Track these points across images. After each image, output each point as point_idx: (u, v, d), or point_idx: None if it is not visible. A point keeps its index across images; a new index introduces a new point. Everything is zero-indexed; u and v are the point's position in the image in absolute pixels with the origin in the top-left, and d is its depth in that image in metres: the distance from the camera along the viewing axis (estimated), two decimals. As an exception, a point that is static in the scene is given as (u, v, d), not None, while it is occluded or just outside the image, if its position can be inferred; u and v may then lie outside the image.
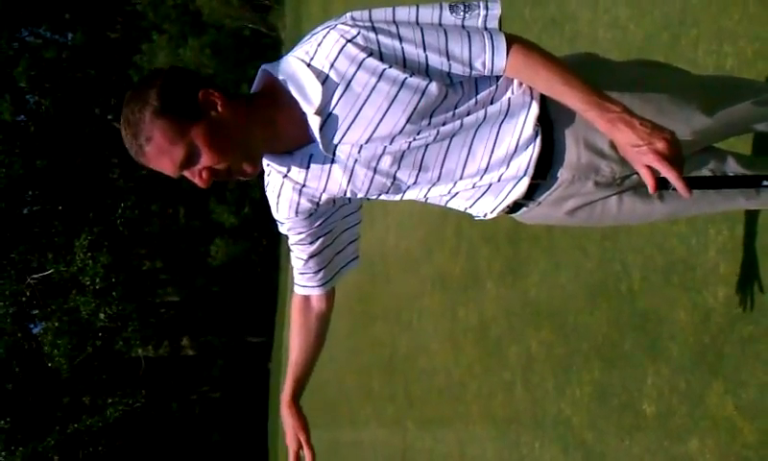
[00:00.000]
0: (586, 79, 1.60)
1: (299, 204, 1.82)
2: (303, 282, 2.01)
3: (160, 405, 30.36)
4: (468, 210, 1.88)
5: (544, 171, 1.74)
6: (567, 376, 4.30)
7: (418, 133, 1.66)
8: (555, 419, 4.36)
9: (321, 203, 1.83)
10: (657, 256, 3.56)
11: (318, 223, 1.89)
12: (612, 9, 4.27)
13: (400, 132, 1.64)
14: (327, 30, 1.62)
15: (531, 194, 1.79)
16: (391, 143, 1.67)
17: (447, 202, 1.86)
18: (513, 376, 5.05)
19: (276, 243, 33.20)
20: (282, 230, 1.94)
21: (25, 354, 25.04)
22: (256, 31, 36.05)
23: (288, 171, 1.77)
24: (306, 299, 2.04)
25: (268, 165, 1.80)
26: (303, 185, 1.78)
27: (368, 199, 1.88)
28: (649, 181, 1.49)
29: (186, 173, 1.62)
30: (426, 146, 1.69)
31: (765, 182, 1.64)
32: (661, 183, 1.50)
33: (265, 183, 1.87)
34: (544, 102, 1.70)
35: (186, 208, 34.98)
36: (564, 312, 4.44)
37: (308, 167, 1.74)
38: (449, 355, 6.50)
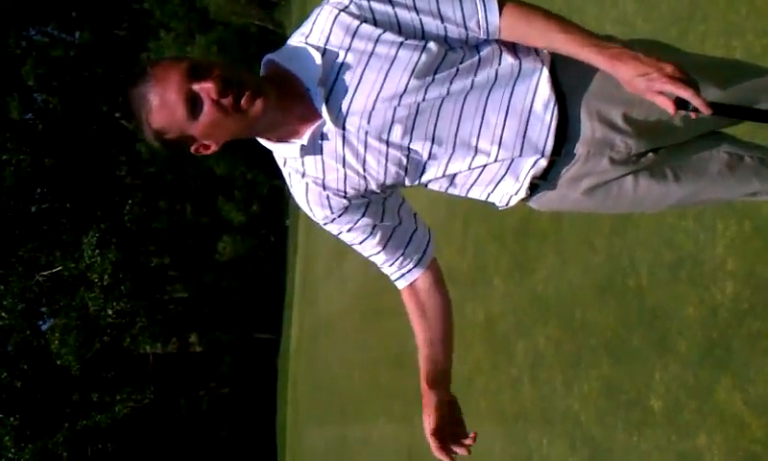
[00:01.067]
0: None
1: (329, 198, 1.78)
2: (397, 272, 1.90)
3: (168, 402, 30.46)
4: (491, 197, 1.84)
5: (559, 146, 1.71)
6: (575, 372, 4.30)
7: (425, 92, 1.64)
8: (563, 415, 4.36)
9: (348, 194, 1.77)
10: (664, 252, 3.55)
11: (362, 212, 1.81)
12: (620, 3, 4.26)
13: (405, 89, 1.63)
14: (321, 7, 1.64)
15: (546, 173, 1.75)
16: (399, 104, 1.64)
17: (468, 190, 1.83)
18: (520, 372, 5.06)
19: (283, 240, 33.24)
20: (342, 236, 1.86)
21: (34, 351, 25.13)
22: (263, 27, 36.08)
23: (304, 166, 1.75)
24: (411, 287, 1.91)
25: (285, 164, 1.78)
26: (324, 180, 1.75)
27: (384, 186, 1.80)
28: (667, 105, 1.48)
29: (196, 85, 1.54)
30: (438, 112, 1.66)
31: None
32: (680, 105, 1.48)
33: (291, 190, 1.82)
34: (555, 75, 1.69)
35: (194, 205, 35.06)
36: (572, 308, 4.44)
37: (321, 153, 1.71)
38: (457, 352, 6.48)
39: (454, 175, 1.78)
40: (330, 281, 14.67)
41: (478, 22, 1.64)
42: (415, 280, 1.91)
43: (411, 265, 1.90)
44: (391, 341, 8.97)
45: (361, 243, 1.87)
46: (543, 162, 1.71)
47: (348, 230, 1.84)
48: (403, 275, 1.90)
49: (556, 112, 1.68)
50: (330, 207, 1.79)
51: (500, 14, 1.63)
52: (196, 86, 1.54)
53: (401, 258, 1.88)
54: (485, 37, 1.66)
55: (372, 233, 1.85)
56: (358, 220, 1.82)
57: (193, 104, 1.54)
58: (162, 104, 1.55)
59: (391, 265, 1.89)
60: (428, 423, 1.70)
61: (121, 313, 25.74)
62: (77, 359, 24.26)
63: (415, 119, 1.66)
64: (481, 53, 1.68)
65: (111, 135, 29.80)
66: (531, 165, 1.73)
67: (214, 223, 34.98)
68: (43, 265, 26.17)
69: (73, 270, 25.34)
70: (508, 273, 5.57)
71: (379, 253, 1.88)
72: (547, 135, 1.69)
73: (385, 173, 1.73)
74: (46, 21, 34.00)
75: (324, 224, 1.85)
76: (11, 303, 24.30)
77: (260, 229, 35.91)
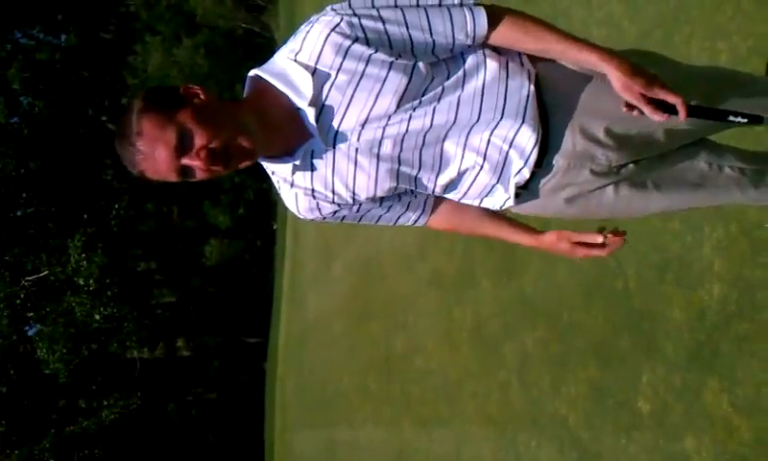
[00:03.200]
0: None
1: (318, 206, 1.80)
2: (413, 218, 1.94)
3: (156, 407, 30.26)
4: (484, 203, 1.85)
5: (540, 158, 1.72)
6: (563, 375, 4.29)
7: (413, 110, 1.65)
8: (551, 418, 4.36)
9: (337, 203, 1.80)
10: (651, 254, 3.56)
11: (356, 208, 1.86)
12: (606, 5, 4.27)
13: (395, 111, 1.63)
14: (311, 24, 1.63)
15: (527, 183, 1.77)
16: (388, 123, 1.65)
17: (462, 197, 1.84)
18: (508, 374, 5.05)
19: (271, 243, 33.17)
20: (340, 222, 1.94)
21: (20, 357, 24.94)
22: (250, 31, 36.03)
23: (293, 178, 1.75)
24: (434, 216, 1.96)
25: (273, 173, 1.78)
26: (313, 190, 1.76)
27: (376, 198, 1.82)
28: (658, 113, 1.56)
29: (185, 160, 1.57)
30: (431, 123, 1.67)
31: (731, 118, 1.66)
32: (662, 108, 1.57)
33: (280, 193, 1.84)
34: (539, 88, 1.70)
35: (180, 208, 34.92)
36: (560, 310, 4.44)
37: (312, 169, 1.71)
38: (445, 355, 6.49)
39: (447, 185, 1.79)
40: (318, 285, 14.64)
41: (467, 33, 1.65)
42: (433, 213, 1.95)
43: (420, 210, 1.93)
44: (379, 345, 8.95)
45: (360, 221, 1.93)
46: (526, 173, 1.73)
47: (343, 219, 1.89)
48: (419, 217, 1.94)
49: (539, 125, 1.70)
50: (320, 212, 1.82)
51: (490, 24, 1.65)
52: (185, 161, 1.58)
53: (410, 211, 1.92)
54: (470, 44, 1.67)
55: (368, 215, 1.89)
56: (352, 214, 1.87)
57: (185, 174, 1.60)
58: (155, 172, 1.60)
59: (398, 220, 1.94)
60: (563, 245, 1.98)
61: (108, 318, 25.56)
62: (65, 367, 24.04)
63: (404, 135, 1.67)
64: (466, 65, 1.69)
65: (97, 139, 29.61)
66: (515, 173, 1.74)
67: (201, 227, 34.87)
68: (29, 270, 25.96)
69: (59, 274, 25.15)
70: (496, 275, 5.57)
71: (381, 219, 1.93)
72: (533, 146, 1.70)
73: (375, 187, 1.74)
74: (32, 24, 33.78)
75: (317, 220, 1.89)
76: (-4, 310, 24.12)
77: (247, 232, 35.82)
